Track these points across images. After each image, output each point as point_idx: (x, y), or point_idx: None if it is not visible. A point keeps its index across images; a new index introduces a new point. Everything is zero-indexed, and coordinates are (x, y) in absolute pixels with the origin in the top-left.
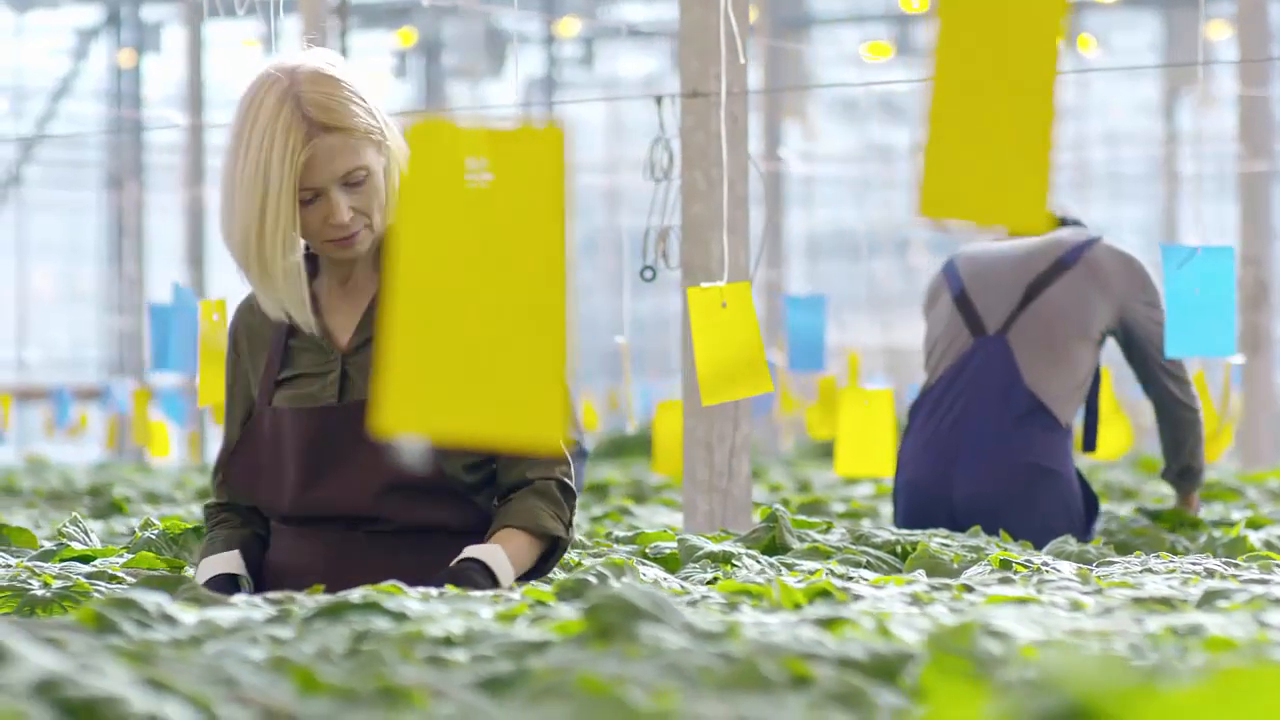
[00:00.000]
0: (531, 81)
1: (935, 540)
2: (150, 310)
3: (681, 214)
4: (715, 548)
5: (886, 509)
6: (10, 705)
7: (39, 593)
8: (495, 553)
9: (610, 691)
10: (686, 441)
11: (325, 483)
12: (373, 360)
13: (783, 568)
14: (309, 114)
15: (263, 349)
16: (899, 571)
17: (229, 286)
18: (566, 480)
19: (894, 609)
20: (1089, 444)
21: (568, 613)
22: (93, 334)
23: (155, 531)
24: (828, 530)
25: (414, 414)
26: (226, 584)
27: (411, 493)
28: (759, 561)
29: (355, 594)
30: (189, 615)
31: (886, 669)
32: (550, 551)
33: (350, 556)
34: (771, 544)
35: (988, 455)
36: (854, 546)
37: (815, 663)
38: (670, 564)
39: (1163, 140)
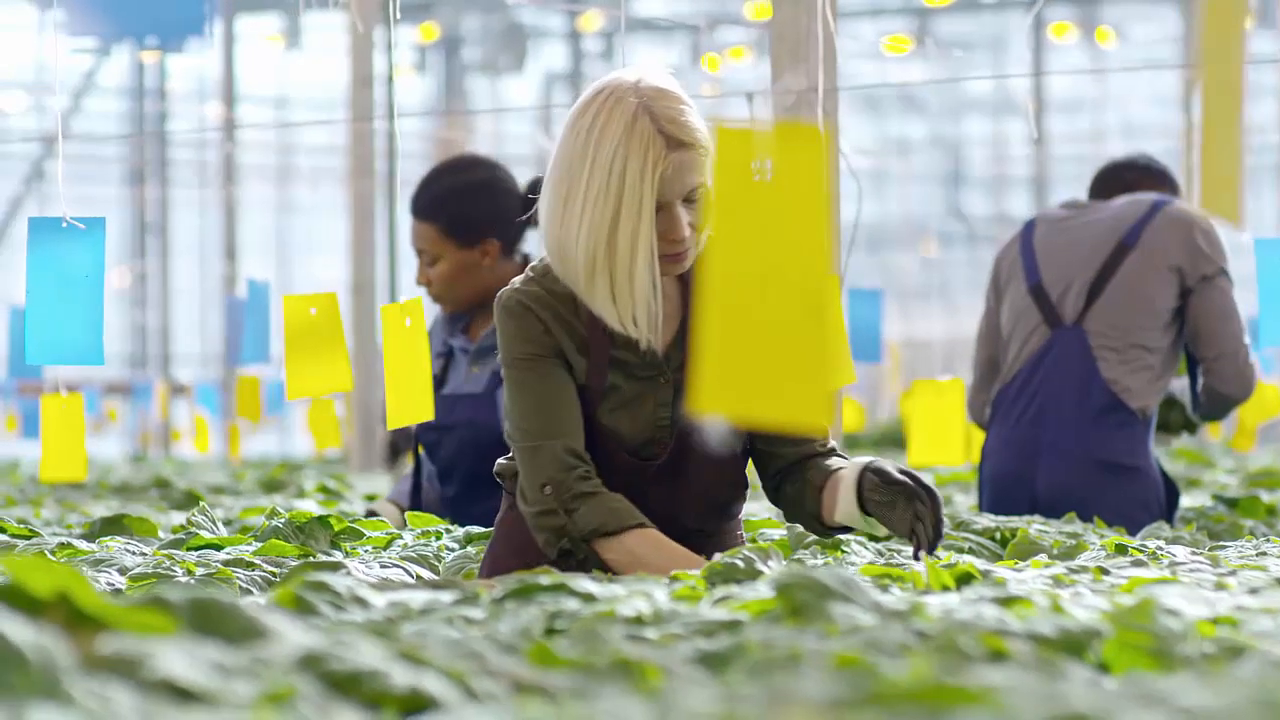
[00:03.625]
0: (552, 76)
1: (1033, 527)
2: (227, 304)
3: None
4: None
5: (959, 497)
6: (279, 679)
7: (183, 580)
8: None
9: (860, 662)
10: None
11: (647, 502)
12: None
13: (890, 553)
14: (665, 129)
15: (579, 353)
16: (999, 557)
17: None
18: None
19: (1037, 589)
20: (1195, 407)
21: (757, 593)
22: (116, 329)
23: (281, 521)
24: None
25: (725, 397)
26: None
27: (721, 505)
28: (867, 548)
29: (543, 576)
30: (378, 598)
31: (1075, 644)
32: None
33: None
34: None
35: (1067, 453)
36: (954, 533)
37: (1008, 638)
38: (780, 550)
39: (1181, 133)
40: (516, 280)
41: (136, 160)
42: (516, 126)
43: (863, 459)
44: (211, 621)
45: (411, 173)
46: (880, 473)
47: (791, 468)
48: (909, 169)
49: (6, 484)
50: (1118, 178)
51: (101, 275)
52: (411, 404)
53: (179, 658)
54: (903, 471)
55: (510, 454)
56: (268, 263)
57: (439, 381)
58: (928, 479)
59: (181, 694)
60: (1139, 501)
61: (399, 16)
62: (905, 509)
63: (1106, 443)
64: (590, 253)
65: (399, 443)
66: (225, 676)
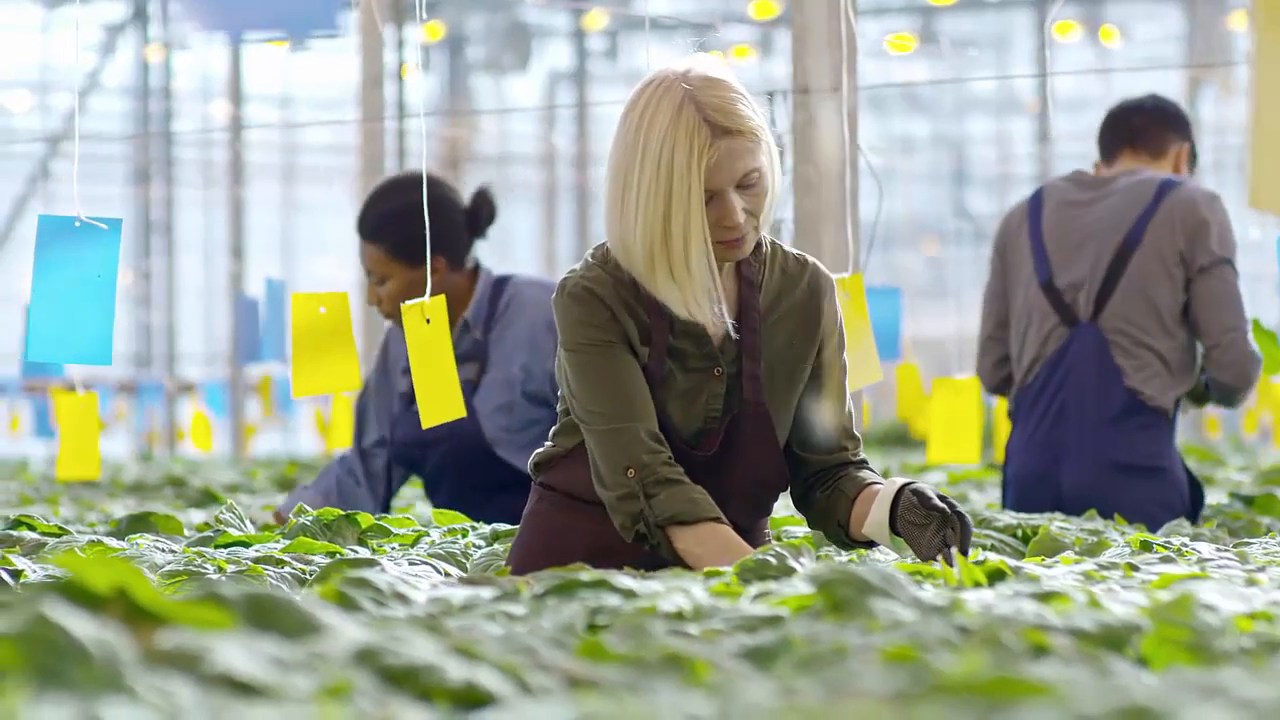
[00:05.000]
0: (555, 75)
1: (1055, 524)
2: (240, 302)
3: (794, 208)
4: None
5: (974, 495)
6: (336, 673)
7: (214, 577)
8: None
9: (912, 656)
10: None
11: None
12: (746, 374)
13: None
14: (710, 117)
15: (641, 340)
16: (1022, 554)
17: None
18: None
19: (1069, 585)
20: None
21: (796, 589)
22: (120, 328)
23: (308, 518)
24: None
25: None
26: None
27: (763, 500)
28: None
29: (583, 573)
30: (418, 594)
31: (1116, 639)
32: None
33: None
34: None
35: (1089, 455)
36: (977, 530)
37: (1050, 633)
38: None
39: None
40: (577, 266)
41: (141, 159)
42: (521, 126)
43: (901, 479)
44: (267, 616)
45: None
46: (919, 494)
47: (825, 474)
48: (913, 168)
49: (19, 482)
50: (1125, 123)
51: (114, 275)
52: (441, 402)
53: (238, 652)
54: (941, 498)
55: (548, 443)
56: (272, 262)
57: (408, 398)
58: (963, 508)
59: (240, 688)
60: (1163, 502)
61: (425, 17)
62: (935, 534)
63: (1129, 445)
64: (648, 243)
65: None
66: (283, 671)
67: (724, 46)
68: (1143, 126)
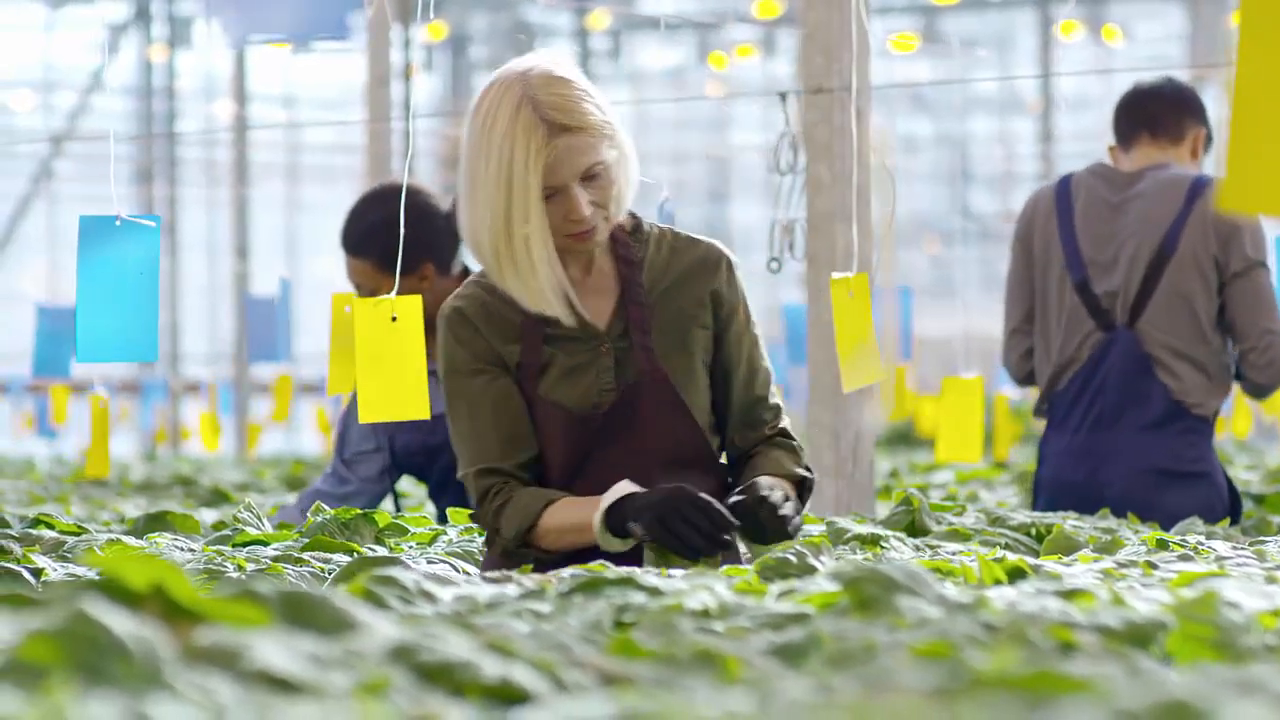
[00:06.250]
0: None
1: (1068, 523)
2: (246, 302)
3: (807, 207)
4: (863, 530)
5: (984, 493)
6: (373, 670)
7: (234, 575)
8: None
9: (948, 652)
10: (811, 428)
11: (604, 470)
12: (638, 346)
13: (927, 549)
14: (548, 116)
15: (513, 340)
16: (1035, 552)
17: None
18: (789, 431)
19: (1089, 583)
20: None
21: (820, 586)
22: None
23: (325, 517)
24: (961, 513)
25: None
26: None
27: (681, 466)
28: (906, 544)
29: (610, 570)
30: (444, 592)
31: (1141, 636)
32: (800, 495)
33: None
34: (911, 526)
35: (1130, 462)
36: (991, 529)
37: (1076, 630)
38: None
39: None
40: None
41: (144, 159)
42: None
43: (763, 482)
44: (303, 614)
45: (421, 172)
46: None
47: (746, 450)
48: (916, 167)
49: (28, 481)
50: (1142, 109)
51: (155, 273)
52: (390, 401)
53: (275, 649)
54: (743, 504)
55: None
56: (276, 262)
57: None
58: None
59: (279, 685)
60: (1205, 507)
61: (432, 16)
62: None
63: (1171, 451)
64: (493, 241)
65: None
66: (321, 668)
67: (727, 46)
68: (1160, 113)
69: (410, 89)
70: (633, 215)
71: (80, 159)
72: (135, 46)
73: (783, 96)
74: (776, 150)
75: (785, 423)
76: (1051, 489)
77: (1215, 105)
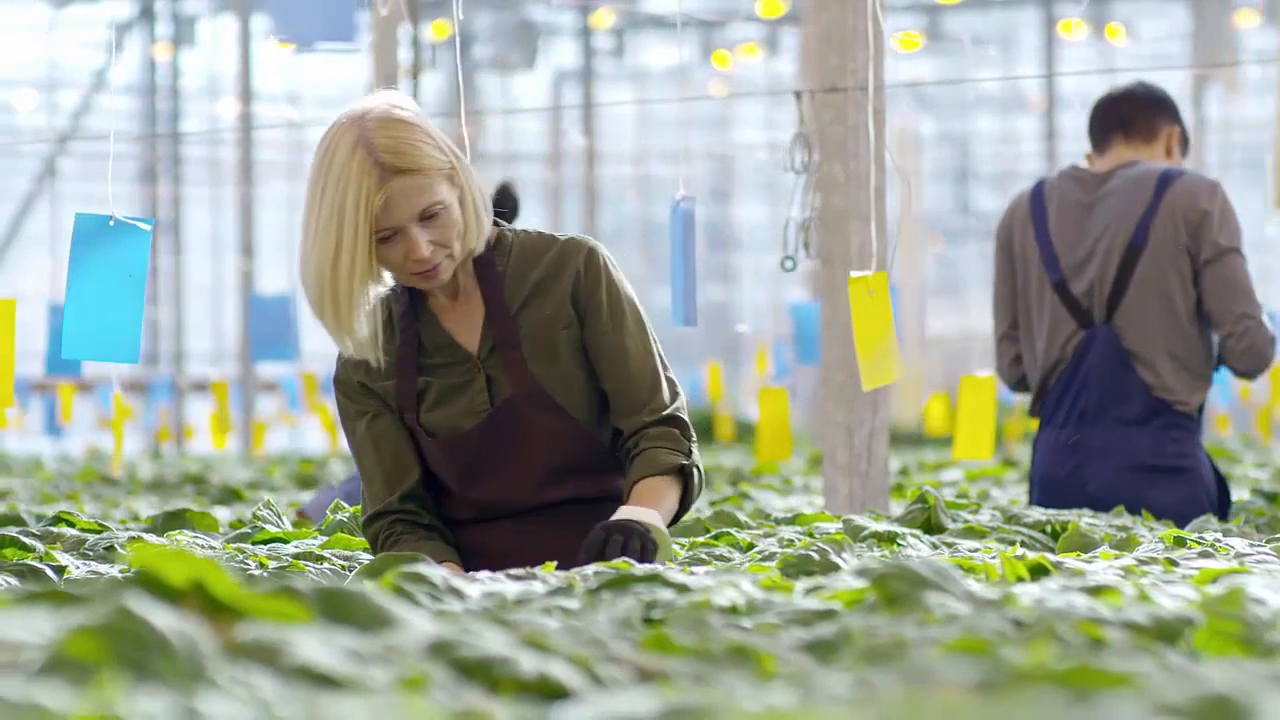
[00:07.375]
0: (561, 73)
1: (1083, 520)
2: (253, 301)
3: (821, 206)
4: (880, 527)
5: (995, 492)
6: (413, 665)
7: (256, 573)
8: (644, 513)
9: (984, 648)
10: (825, 426)
11: (492, 484)
12: (508, 362)
13: (944, 546)
14: (381, 159)
15: (387, 376)
16: (1051, 550)
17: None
18: (674, 413)
19: (1112, 580)
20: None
21: (847, 583)
22: None
23: (345, 515)
24: (976, 510)
25: None
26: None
27: (564, 473)
28: (922, 541)
29: (636, 567)
30: (472, 589)
31: (1169, 632)
32: (685, 481)
33: (541, 536)
34: (927, 524)
35: (1114, 459)
36: (1007, 526)
37: (1104, 626)
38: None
39: (1190, 129)
40: None
41: (149, 158)
42: (527, 124)
43: (628, 511)
44: (342, 610)
45: None
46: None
47: (629, 441)
48: (919, 165)
49: (38, 480)
50: (1114, 111)
51: (144, 276)
52: None
53: (316, 645)
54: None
55: None
56: (280, 260)
57: None
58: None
59: (319, 680)
60: (1190, 501)
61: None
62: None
63: (1154, 446)
64: (319, 282)
65: None
66: (361, 663)
67: (730, 45)
68: (1132, 113)
69: (417, 87)
70: (496, 225)
71: (84, 158)
72: (139, 45)
73: (798, 96)
74: (790, 149)
75: (669, 401)
76: (1041, 486)
77: (1219, 104)
